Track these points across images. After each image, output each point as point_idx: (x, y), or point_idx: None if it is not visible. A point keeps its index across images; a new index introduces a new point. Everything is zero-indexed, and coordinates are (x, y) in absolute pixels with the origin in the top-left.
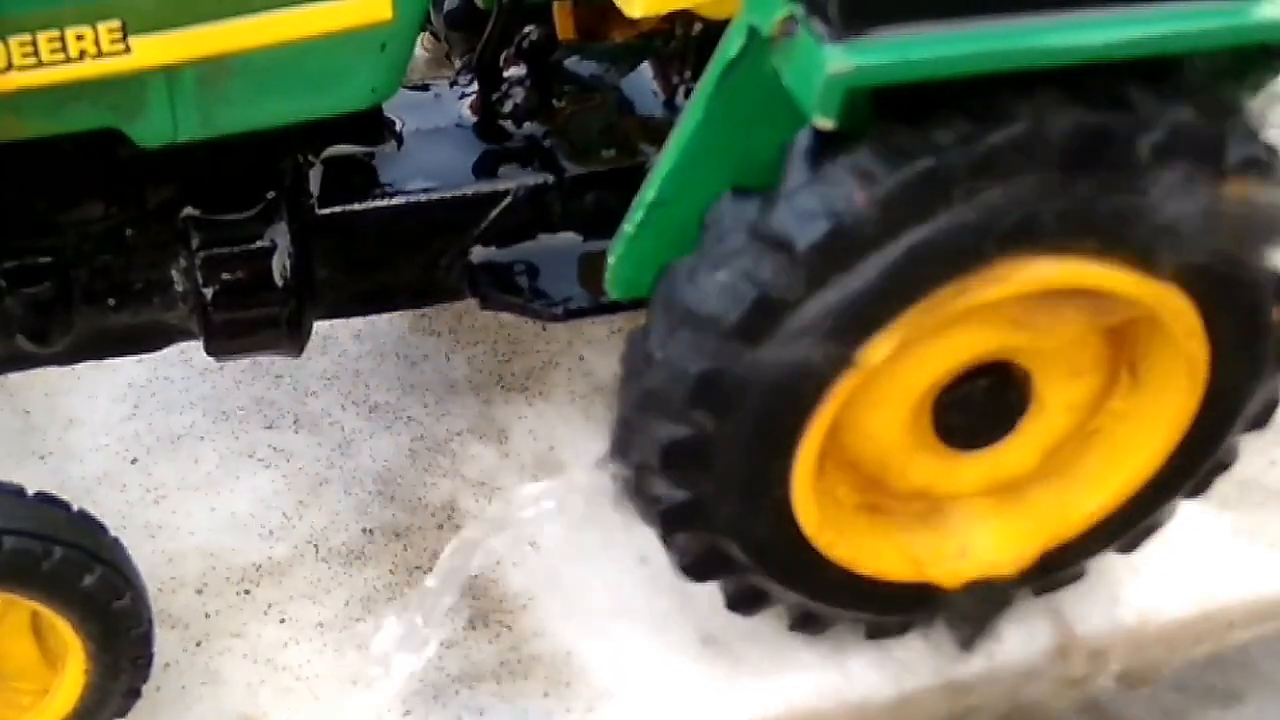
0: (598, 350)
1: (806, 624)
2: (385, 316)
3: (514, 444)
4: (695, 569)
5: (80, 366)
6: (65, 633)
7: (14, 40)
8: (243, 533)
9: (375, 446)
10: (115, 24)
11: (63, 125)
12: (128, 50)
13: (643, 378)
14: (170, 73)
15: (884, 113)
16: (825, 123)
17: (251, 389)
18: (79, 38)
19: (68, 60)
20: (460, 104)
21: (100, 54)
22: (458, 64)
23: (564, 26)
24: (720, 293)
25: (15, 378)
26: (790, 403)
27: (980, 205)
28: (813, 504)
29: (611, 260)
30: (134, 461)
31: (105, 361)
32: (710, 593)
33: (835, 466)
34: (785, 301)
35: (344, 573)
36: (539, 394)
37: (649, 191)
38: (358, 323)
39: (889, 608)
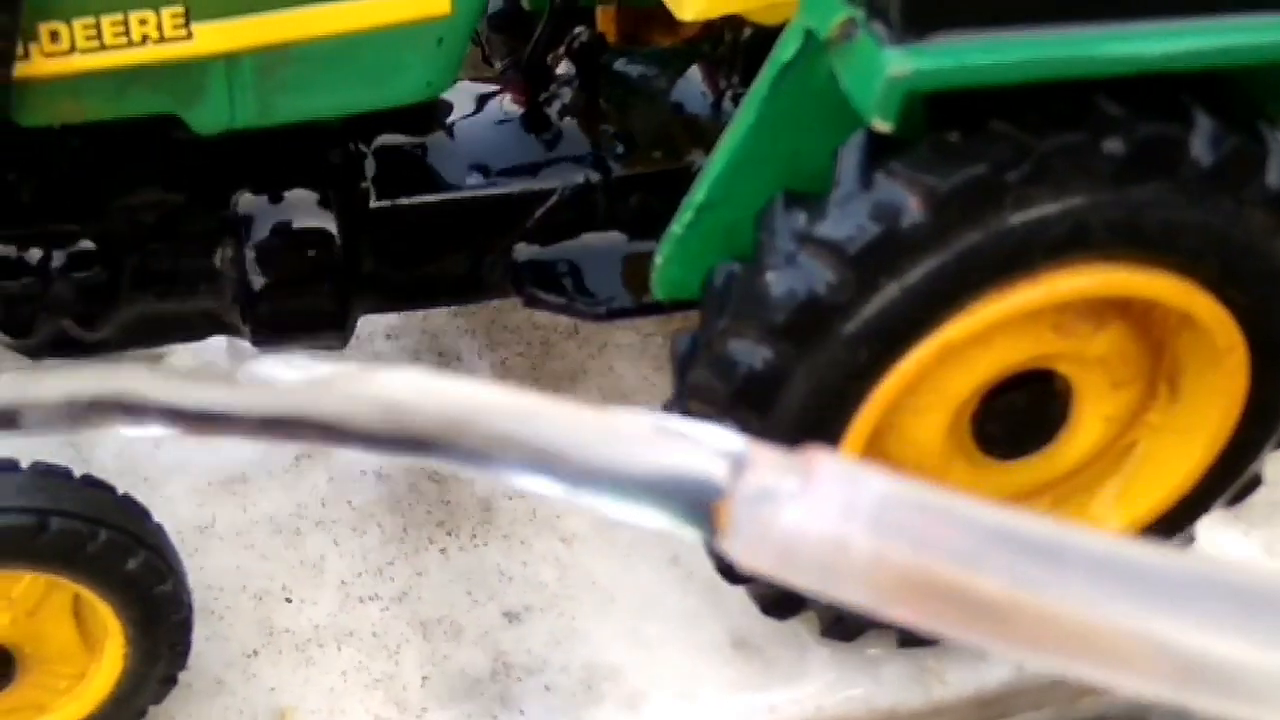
0: (628, 356)
1: (839, 630)
2: (419, 316)
3: None
4: (733, 571)
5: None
6: (106, 616)
7: (77, 23)
8: (276, 529)
9: None
10: (179, 9)
11: (122, 110)
12: (190, 36)
13: (690, 376)
14: (230, 60)
15: (936, 118)
16: (883, 125)
17: None
18: (142, 22)
19: (130, 44)
20: (508, 102)
21: (162, 39)
22: (498, 66)
23: (607, 30)
24: (770, 294)
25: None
26: (836, 405)
27: (1031, 213)
28: None
29: (658, 261)
30: (159, 447)
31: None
32: (741, 595)
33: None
34: (835, 304)
35: (377, 571)
36: (571, 395)
37: (698, 193)
38: (391, 321)
39: None
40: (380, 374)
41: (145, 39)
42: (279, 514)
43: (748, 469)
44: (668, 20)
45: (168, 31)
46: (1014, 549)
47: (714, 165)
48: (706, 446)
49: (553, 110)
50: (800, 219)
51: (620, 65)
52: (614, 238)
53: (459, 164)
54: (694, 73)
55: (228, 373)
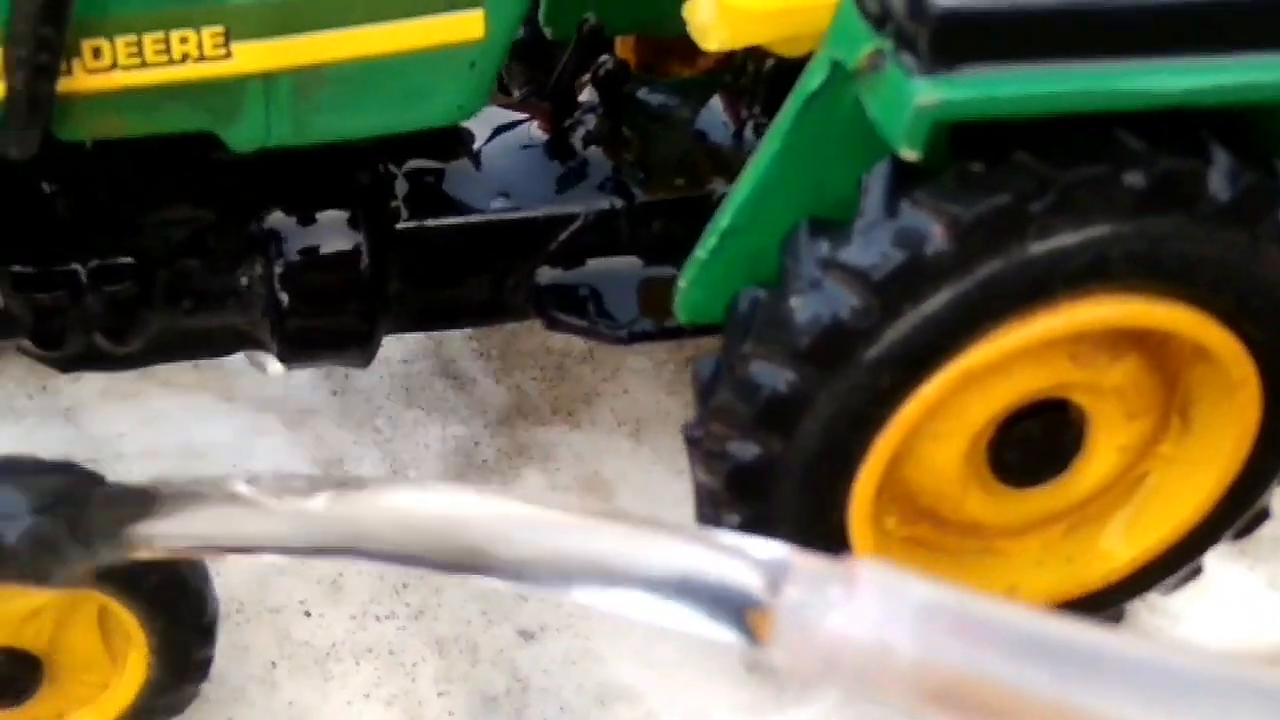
0: (642, 380)
1: None
2: (435, 337)
3: (562, 467)
4: None
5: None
6: (131, 627)
7: (120, 40)
8: None
9: (423, 467)
10: (219, 29)
11: (160, 126)
12: (229, 55)
13: (714, 399)
14: (268, 79)
15: (959, 146)
16: (911, 154)
17: (300, 405)
18: (183, 40)
19: (170, 62)
20: (533, 128)
21: (203, 58)
22: (516, 94)
23: (627, 59)
24: (795, 319)
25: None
26: (857, 429)
27: (1053, 243)
28: (868, 533)
29: (682, 285)
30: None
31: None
32: None
33: (889, 497)
34: (859, 329)
35: (394, 590)
36: (586, 420)
37: (723, 219)
38: (408, 343)
39: None
40: (423, 494)
41: (185, 57)
42: None
43: (790, 576)
44: (686, 51)
45: (208, 50)
46: (1055, 657)
47: (739, 192)
48: (747, 556)
49: (576, 137)
50: (825, 245)
51: (643, 94)
52: (635, 263)
53: (484, 188)
54: (715, 102)
55: (270, 495)
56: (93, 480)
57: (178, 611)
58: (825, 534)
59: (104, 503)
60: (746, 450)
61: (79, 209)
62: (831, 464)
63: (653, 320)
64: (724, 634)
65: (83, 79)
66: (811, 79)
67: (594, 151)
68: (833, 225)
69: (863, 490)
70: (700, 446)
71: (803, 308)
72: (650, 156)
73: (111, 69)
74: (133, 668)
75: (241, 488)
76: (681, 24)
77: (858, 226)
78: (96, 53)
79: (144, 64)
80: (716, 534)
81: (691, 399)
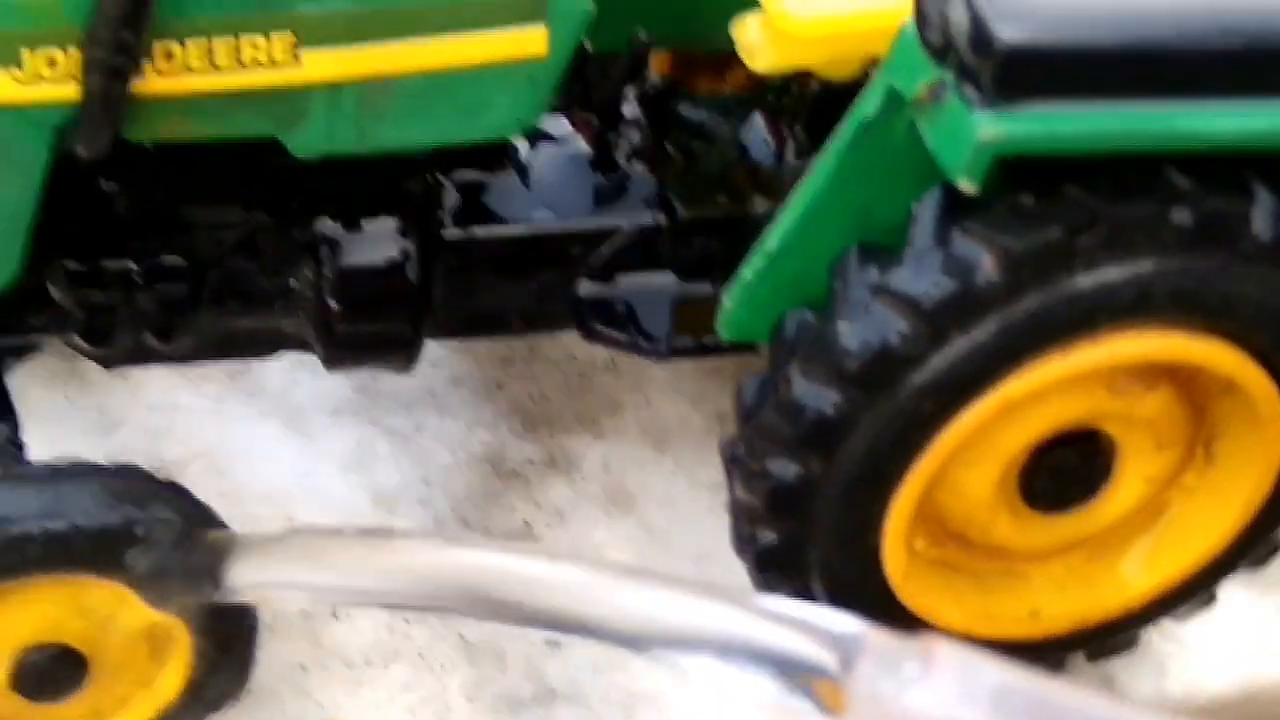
0: (664, 391)
1: None
2: (460, 345)
3: (586, 476)
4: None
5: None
6: (175, 627)
7: (192, 44)
8: None
9: (448, 471)
10: (289, 36)
11: (226, 130)
12: (298, 63)
13: (757, 418)
14: (333, 88)
15: (1009, 178)
16: (969, 186)
17: (329, 407)
18: (253, 46)
19: (240, 67)
20: (577, 141)
21: (272, 64)
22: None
23: (659, 73)
24: (843, 342)
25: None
26: (897, 453)
27: (1099, 276)
28: (901, 555)
29: (727, 304)
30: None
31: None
32: None
33: (919, 519)
34: (906, 355)
35: None
36: (610, 430)
37: (770, 241)
38: (434, 346)
39: None
40: (517, 557)
41: (255, 63)
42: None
43: (865, 652)
44: (718, 67)
45: (277, 57)
46: None
47: (787, 214)
48: (821, 630)
49: (620, 151)
50: (875, 271)
51: (685, 110)
52: (672, 278)
53: (528, 199)
54: (756, 121)
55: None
56: (203, 514)
57: (221, 611)
58: (859, 554)
59: (213, 544)
60: (787, 469)
61: (134, 208)
62: (870, 486)
63: (691, 336)
64: (796, 703)
65: (154, 81)
66: (866, 106)
67: (636, 166)
68: (883, 251)
69: (898, 512)
70: (740, 464)
71: (851, 332)
72: (692, 173)
73: (183, 72)
74: (175, 667)
75: (337, 540)
76: (723, 40)
77: (909, 253)
78: (168, 56)
79: (214, 68)
80: (792, 605)
81: (713, 411)
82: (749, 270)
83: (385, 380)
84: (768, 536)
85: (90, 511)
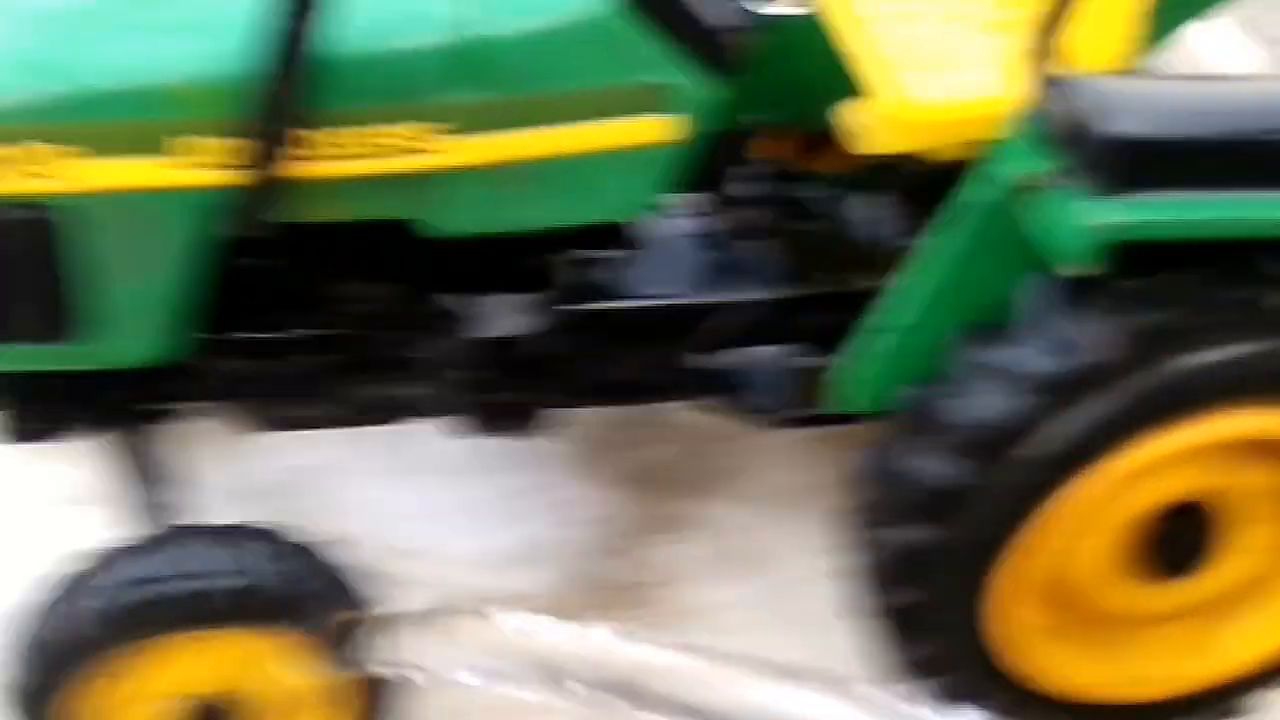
0: (779, 457)
1: None
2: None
3: (702, 538)
4: (912, 668)
5: None
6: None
7: (348, 132)
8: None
9: (566, 532)
10: (423, 126)
11: (369, 211)
12: (434, 151)
13: (880, 487)
14: (471, 172)
15: (1115, 259)
16: (1079, 269)
17: (446, 465)
18: (394, 135)
19: (379, 154)
20: (690, 218)
21: (416, 151)
22: None
23: (767, 151)
24: (956, 416)
25: None
26: (1008, 522)
27: (1204, 357)
28: (1010, 620)
29: (835, 377)
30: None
31: None
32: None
33: (1029, 586)
34: (1017, 430)
35: None
36: (727, 493)
37: (878, 318)
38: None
39: None
40: (663, 652)
41: (396, 150)
42: (445, 589)
43: None
44: (812, 146)
45: (416, 144)
46: None
47: (895, 293)
48: None
49: (731, 228)
50: (983, 348)
51: (791, 189)
52: (784, 351)
53: (644, 274)
54: (862, 200)
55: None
56: (358, 577)
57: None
58: (970, 619)
59: (372, 621)
60: (903, 538)
61: (276, 283)
62: (981, 554)
63: (801, 407)
64: None
65: (306, 167)
66: (973, 190)
67: (747, 243)
68: (991, 329)
69: (1008, 579)
70: (862, 531)
71: (964, 407)
72: (798, 250)
73: (333, 159)
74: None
75: (492, 625)
76: (823, 121)
77: (1019, 332)
78: (320, 143)
79: (355, 156)
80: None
81: (827, 477)
82: (858, 345)
83: (504, 440)
84: (886, 602)
85: (263, 570)
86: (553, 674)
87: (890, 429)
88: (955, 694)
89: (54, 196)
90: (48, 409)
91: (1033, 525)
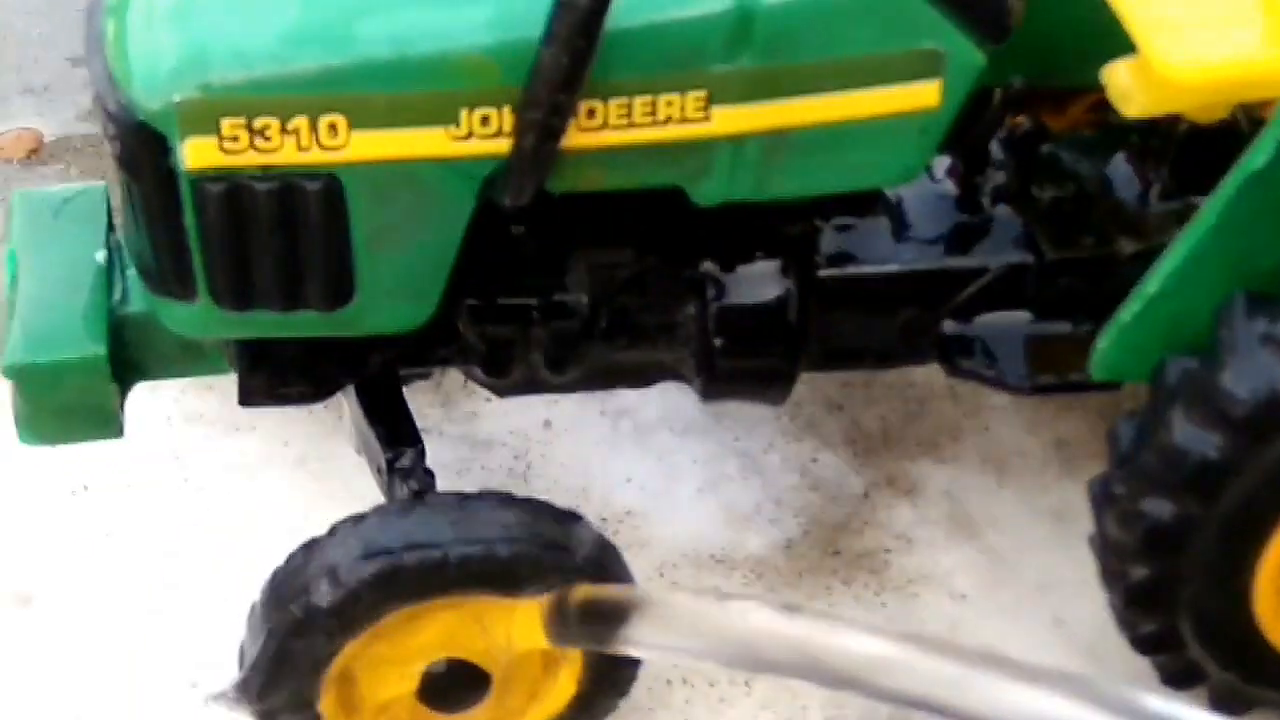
0: (1003, 418)
1: (1229, 704)
2: None
3: (929, 500)
4: (1145, 643)
5: None
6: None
7: (613, 103)
8: (684, 562)
9: (796, 493)
10: (702, 94)
11: (636, 180)
12: (708, 119)
13: (1136, 459)
14: (738, 141)
15: None
16: None
17: (678, 424)
18: (669, 104)
19: (655, 123)
20: (944, 182)
21: (684, 120)
22: None
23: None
24: (1231, 389)
25: None
26: (1278, 496)
27: None
28: (1272, 594)
29: (1102, 345)
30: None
31: None
32: (1123, 658)
33: None
34: None
35: None
36: (950, 455)
37: (1151, 285)
38: None
39: None
40: (890, 643)
41: (669, 119)
42: (679, 549)
43: None
44: (1058, 101)
45: (689, 113)
46: None
47: (1169, 259)
48: None
49: (986, 192)
50: (1263, 319)
51: (1046, 150)
52: (1032, 317)
53: (897, 239)
54: (1120, 161)
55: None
56: (603, 546)
57: None
58: (1231, 593)
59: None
60: (1164, 510)
61: (536, 250)
62: (1247, 528)
63: (1054, 373)
64: None
65: (575, 137)
66: (1256, 157)
67: (1003, 207)
68: (1271, 300)
69: (1274, 553)
70: (1115, 503)
71: (1240, 379)
72: (1057, 214)
73: (602, 128)
74: (565, 678)
75: (735, 609)
76: (1081, 80)
77: None
78: (591, 113)
79: (631, 124)
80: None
81: (1051, 438)
82: (1126, 312)
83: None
84: (1138, 573)
85: (503, 538)
86: (770, 664)
87: (1153, 399)
88: (1211, 663)
89: (343, 166)
90: (276, 373)
91: None
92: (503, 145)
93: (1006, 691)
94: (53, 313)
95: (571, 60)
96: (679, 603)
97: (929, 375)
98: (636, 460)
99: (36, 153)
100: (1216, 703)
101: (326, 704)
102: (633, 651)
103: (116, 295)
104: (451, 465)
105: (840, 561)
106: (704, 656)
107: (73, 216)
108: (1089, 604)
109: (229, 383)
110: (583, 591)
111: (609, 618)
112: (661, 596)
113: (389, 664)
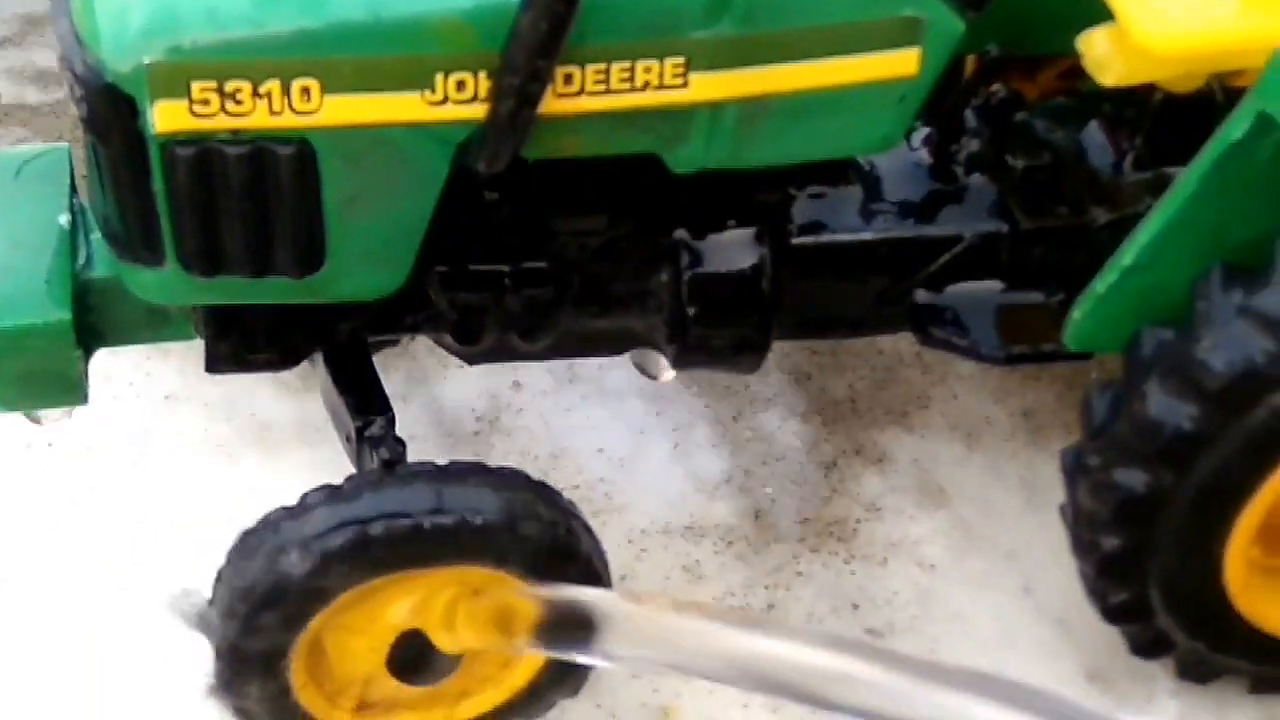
0: (969, 386)
1: (1195, 672)
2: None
3: (897, 469)
4: (1114, 612)
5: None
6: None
7: (590, 68)
8: (654, 529)
9: (765, 460)
10: (680, 61)
11: (611, 146)
12: (685, 85)
13: (1109, 430)
14: (716, 108)
15: None
16: None
17: (648, 391)
18: (646, 70)
19: (632, 89)
20: (918, 150)
21: (662, 86)
22: None
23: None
24: (1207, 360)
25: None
26: (1251, 467)
27: None
28: (1242, 564)
29: (1076, 315)
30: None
31: None
32: (1093, 629)
33: (1260, 529)
34: (1271, 375)
35: (744, 586)
36: (918, 423)
37: (1125, 256)
38: None
39: None
40: (859, 659)
41: (646, 85)
42: (649, 517)
43: None
44: (1028, 68)
45: (667, 79)
46: None
47: (1145, 230)
48: None
49: (960, 161)
50: (1239, 291)
51: (1020, 119)
52: (1003, 286)
53: (871, 208)
54: (1094, 130)
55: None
56: (572, 514)
57: None
58: (1201, 563)
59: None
60: (1137, 480)
61: (508, 217)
62: (1220, 499)
63: (1028, 343)
64: None
65: (552, 103)
66: (1234, 128)
67: (977, 176)
68: (1246, 272)
69: (1244, 524)
70: (1087, 473)
71: (1215, 350)
72: (1031, 183)
73: (579, 94)
74: (520, 674)
75: (690, 616)
76: (1052, 47)
77: (1275, 275)
78: (568, 79)
79: (608, 90)
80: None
81: (1018, 407)
82: (1101, 283)
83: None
84: (1110, 544)
85: (474, 508)
86: (741, 674)
87: (1127, 370)
88: (1179, 632)
89: (316, 130)
90: (244, 340)
91: (1275, 470)
92: (478, 111)
93: (948, 699)
94: (14, 277)
95: (550, 25)
96: (640, 615)
97: (897, 344)
98: (607, 429)
99: None
100: (1183, 671)
101: (296, 673)
102: (596, 662)
103: (80, 260)
104: (419, 434)
105: (809, 529)
106: (669, 669)
107: (33, 178)
108: (1058, 573)
109: (195, 350)
110: (539, 603)
111: (573, 628)
112: (623, 608)
113: (358, 634)
